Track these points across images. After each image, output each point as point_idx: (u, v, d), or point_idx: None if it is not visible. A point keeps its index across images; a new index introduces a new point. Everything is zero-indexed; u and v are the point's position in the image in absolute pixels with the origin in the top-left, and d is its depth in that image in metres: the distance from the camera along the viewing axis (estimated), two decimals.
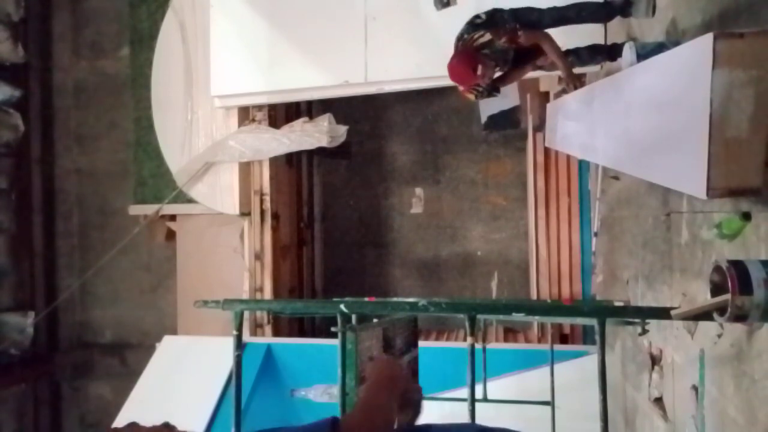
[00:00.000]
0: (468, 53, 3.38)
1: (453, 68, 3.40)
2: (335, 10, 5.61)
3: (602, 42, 4.34)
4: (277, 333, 6.59)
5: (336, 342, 2.86)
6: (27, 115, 7.52)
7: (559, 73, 4.06)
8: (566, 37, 3.91)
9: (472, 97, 3.60)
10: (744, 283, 1.84)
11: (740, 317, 1.88)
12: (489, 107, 6.77)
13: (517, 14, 3.56)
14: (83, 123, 7.93)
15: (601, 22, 4.17)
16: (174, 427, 1.23)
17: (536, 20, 3.59)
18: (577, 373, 4.57)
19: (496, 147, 7.68)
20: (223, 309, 2.97)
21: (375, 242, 8.10)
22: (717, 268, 1.97)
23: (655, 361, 3.58)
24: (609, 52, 3.80)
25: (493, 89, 3.58)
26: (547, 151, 6.13)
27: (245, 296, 6.37)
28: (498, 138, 7.50)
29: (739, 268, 1.87)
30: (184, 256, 7.00)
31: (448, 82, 3.56)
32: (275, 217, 6.65)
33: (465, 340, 2.73)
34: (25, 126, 7.43)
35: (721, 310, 1.93)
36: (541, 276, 6.25)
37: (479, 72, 3.34)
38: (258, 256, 6.55)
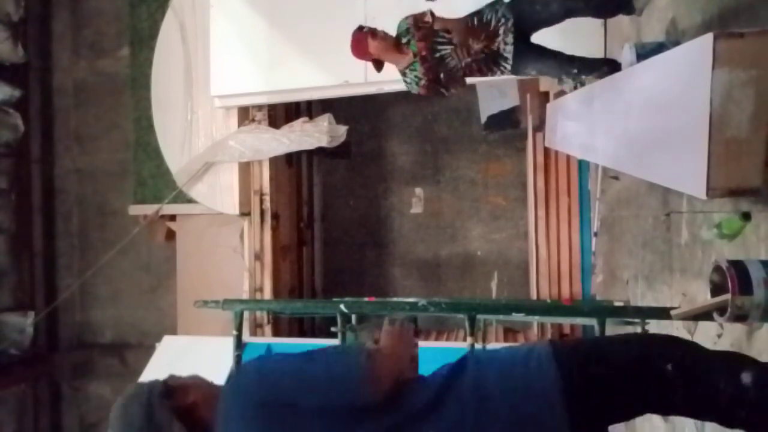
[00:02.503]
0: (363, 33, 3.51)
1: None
2: (335, 10, 5.60)
3: (602, 50, 4.37)
4: (277, 333, 6.58)
5: (336, 342, 2.86)
6: (27, 115, 7.51)
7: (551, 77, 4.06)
8: (566, 43, 3.89)
9: (405, 82, 3.61)
10: (744, 283, 1.84)
11: (740, 317, 1.88)
12: (489, 107, 6.77)
13: (514, 5, 3.52)
14: (83, 123, 7.92)
15: (608, 15, 4.11)
16: None
17: (540, 12, 3.54)
18: None
19: (496, 147, 7.67)
20: (223, 309, 2.97)
21: (375, 242, 8.09)
22: (717, 268, 1.98)
23: None
24: (614, 64, 3.74)
25: (440, 87, 3.56)
26: (547, 151, 6.12)
27: (245, 296, 6.37)
28: (498, 138, 7.49)
29: (739, 268, 1.88)
30: (184, 256, 7.00)
31: None
32: (275, 217, 6.64)
33: (465, 340, 2.73)
34: (25, 126, 7.42)
35: (721, 310, 1.93)
36: (541, 276, 6.24)
37: (371, 42, 3.45)
38: (258, 256, 6.54)
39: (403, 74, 3.57)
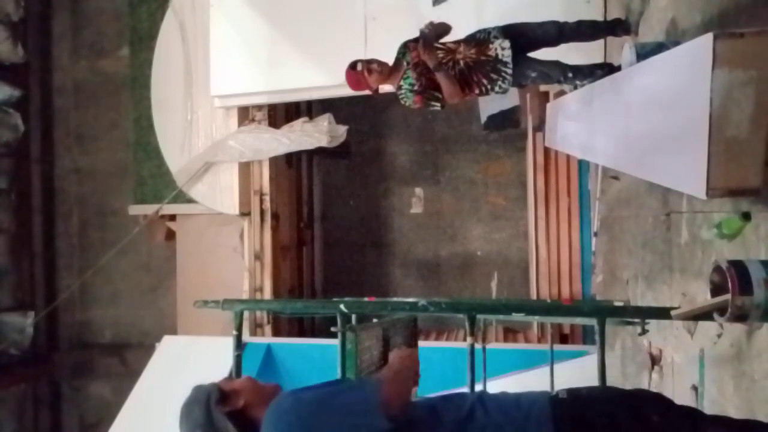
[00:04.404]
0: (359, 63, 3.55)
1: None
2: (335, 10, 5.60)
3: (602, 50, 4.41)
4: (277, 333, 6.59)
5: (336, 342, 2.85)
6: (27, 115, 7.51)
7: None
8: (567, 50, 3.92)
9: (400, 96, 3.64)
10: (744, 283, 1.84)
11: (740, 317, 1.88)
12: (489, 107, 6.76)
13: (508, 27, 3.58)
14: (83, 123, 7.92)
15: (602, 36, 4.21)
16: None
17: (535, 29, 3.61)
18: (577, 373, 4.56)
19: (496, 147, 7.67)
20: (223, 309, 2.97)
21: (375, 242, 8.09)
22: (717, 268, 1.97)
23: (654, 361, 3.58)
24: (609, 67, 3.79)
25: (431, 98, 3.56)
26: (547, 151, 6.12)
27: (245, 296, 6.36)
28: (498, 138, 7.49)
29: (739, 268, 1.87)
30: (184, 256, 7.00)
31: None
32: (275, 217, 6.64)
33: (465, 340, 2.73)
34: (25, 126, 7.42)
35: (721, 310, 1.93)
36: (541, 276, 6.24)
37: (369, 77, 3.50)
38: (258, 256, 6.54)
39: (399, 88, 3.60)
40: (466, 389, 2.56)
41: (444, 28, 3.54)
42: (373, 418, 1.48)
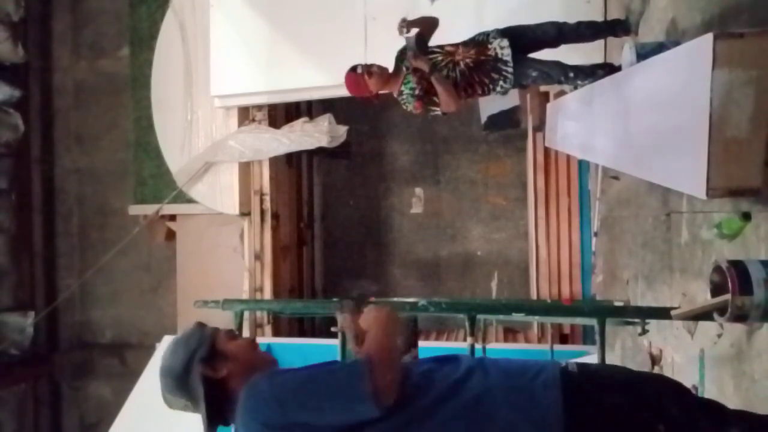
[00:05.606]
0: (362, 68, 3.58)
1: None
2: (335, 10, 5.60)
3: (602, 50, 4.42)
4: (277, 333, 6.58)
5: (336, 342, 2.85)
6: (27, 115, 7.50)
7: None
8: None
9: (401, 101, 3.65)
10: (744, 283, 1.84)
11: (740, 317, 1.88)
12: (489, 107, 6.75)
13: (506, 29, 3.59)
14: (83, 123, 7.92)
15: (602, 37, 4.22)
16: None
17: (534, 29, 3.62)
18: None
19: (496, 147, 7.67)
20: (223, 309, 2.97)
21: (375, 242, 8.09)
22: (717, 268, 1.97)
23: (655, 361, 3.58)
24: (610, 67, 3.80)
25: (432, 104, 3.56)
26: (547, 151, 6.12)
27: (245, 296, 6.36)
28: (498, 138, 7.49)
29: (739, 268, 1.87)
30: (184, 256, 7.00)
31: None
32: (275, 217, 6.64)
33: (465, 340, 2.73)
34: (25, 126, 7.41)
35: (721, 310, 1.93)
36: (541, 276, 6.24)
37: (369, 80, 3.53)
38: (258, 256, 6.54)
39: (400, 94, 3.62)
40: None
41: (429, 23, 3.54)
42: (359, 403, 1.34)
